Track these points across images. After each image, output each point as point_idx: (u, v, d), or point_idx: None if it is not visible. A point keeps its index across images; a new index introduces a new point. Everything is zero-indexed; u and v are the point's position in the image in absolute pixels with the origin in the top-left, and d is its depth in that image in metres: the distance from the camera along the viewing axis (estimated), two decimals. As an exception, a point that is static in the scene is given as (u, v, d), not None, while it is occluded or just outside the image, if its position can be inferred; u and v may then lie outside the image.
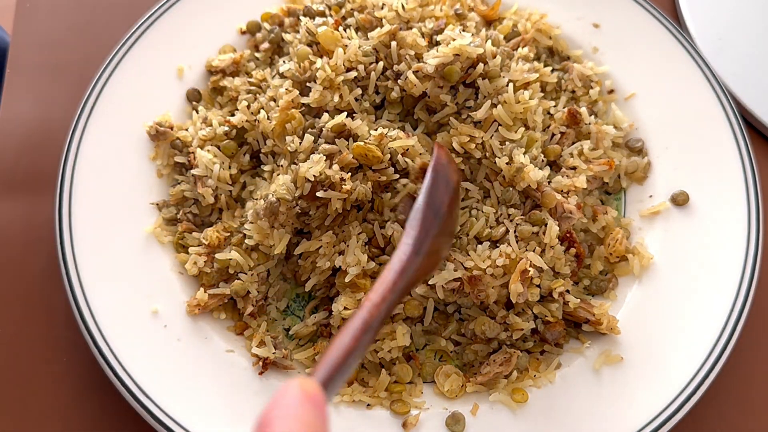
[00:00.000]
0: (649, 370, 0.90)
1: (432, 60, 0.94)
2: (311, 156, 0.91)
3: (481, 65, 0.95)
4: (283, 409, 0.53)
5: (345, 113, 0.94)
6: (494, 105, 0.95)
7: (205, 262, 0.95)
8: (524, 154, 0.94)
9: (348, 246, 0.91)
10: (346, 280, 0.90)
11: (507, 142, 0.95)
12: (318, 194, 0.89)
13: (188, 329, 0.92)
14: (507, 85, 0.96)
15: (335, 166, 0.90)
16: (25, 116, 1.15)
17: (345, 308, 0.90)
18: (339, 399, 0.89)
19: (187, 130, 1.05)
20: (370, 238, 0.93)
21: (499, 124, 0.95)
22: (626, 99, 1.10)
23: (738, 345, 0.93)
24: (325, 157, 0.91)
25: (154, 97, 1.07)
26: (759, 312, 1.00)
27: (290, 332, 0.95)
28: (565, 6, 1.16)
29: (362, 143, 0.91)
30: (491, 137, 0.95)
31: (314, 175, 0.89)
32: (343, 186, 0.89)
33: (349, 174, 0.90)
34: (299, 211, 0.91)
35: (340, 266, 0.91)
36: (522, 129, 0.96)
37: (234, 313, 0.97)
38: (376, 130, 0.94)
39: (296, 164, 0.92)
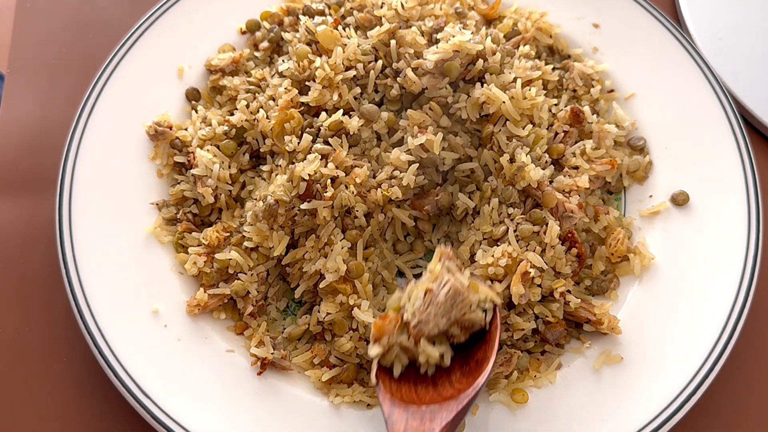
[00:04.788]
0: (649, 370, 0.90)
1: (432, 56, 0.94)
2: (308, 156, 0.92)
3: (480, 61, 0.95)
4: None
5: (341, 111, 0.94)
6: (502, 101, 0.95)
7: (204, 262, 0.95)
8: (528, 152, 0.94)
9: (332, 251, 0.91)
10: (321, 285, 0.91)
11: (514, 139, 0.95)
12: (303, 206, 0.89)
13: (188, 329, 0.92)
14: (514, 81, 0.96)
15: (330, 165, 0.90)
16: (25, 116, 1.15)
17: (327, 313, 0.90)
18: (340, 400, 0.89)
19: (186, 129, 1.05)
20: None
21: (506, 120, 0.95)
22: (626, 99, 1.10)
23: (738, 345, 0.93)
24: (320, 156, 0.91)
25: (154, 97, 1.07)
26: (759, 312, 1.00)
27: (284, 333, 0.95)
28: (565, 6, 1.16)
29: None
30: (499, 131, 0.95)
31: (309, 174, 0.89)
32: (325, 193, 0.89)
33: (330, 181, 0.90)
34: (297, 212, 0.91)
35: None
36: (529, 126, 0.96)
37: (234, 313, 0.96)
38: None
39: (294, 164, 0.92)
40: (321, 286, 0.91)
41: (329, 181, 0.90)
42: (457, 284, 0.79)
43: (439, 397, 0.77)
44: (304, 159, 0.93)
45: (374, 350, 0.78)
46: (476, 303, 0.80)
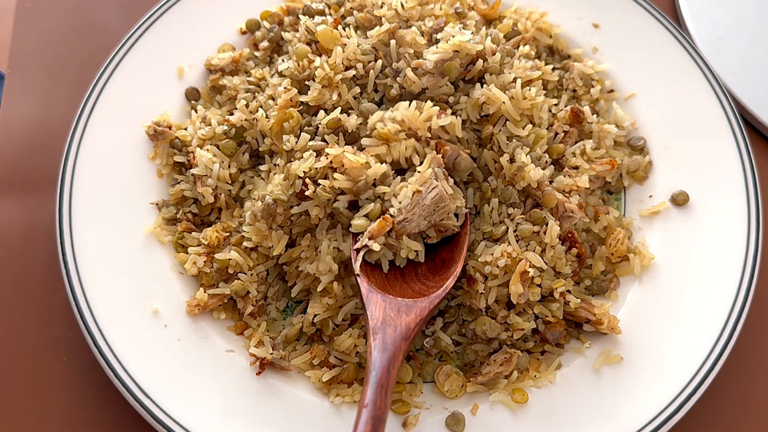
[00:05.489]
0: (649, 370, 0.90)
1: (431, 56, 0.94)
2: (304, 153, 0.92)
3: (480, 61, 0.95)
4: None
5: (339, 109, 0.94)
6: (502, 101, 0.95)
7: (204, 262, 0.95)
8: (528, 152, 0.94)
9: (320, 252, 0.91)
10: (319, 289, 0.91)
11: (514, 139, 0.95)
12: (293, 210, 0.90)
13: (188, 329, 0.92)
14: (514, 81, 0.96)
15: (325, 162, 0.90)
16: (25, 116, 1.15)
17: (315, 316, 0.91)
18: (340, 400, 0.89)
19: (186, 129, 1.05)
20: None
21: (506, 120, 0.95)
22: (626, 99, 1.10)
23: (738, 345, 0.93)
24: (315, 154, 0.91)
25: (154, 96, 1.07)
26: (759, 312, 1.00)
27: (281, 335, 0.95)
28: (565, 6, 1.16)
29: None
30: (499, 131, 0.95)
31: (304, 171, 0.89)
32: (306, 192, 0.89)
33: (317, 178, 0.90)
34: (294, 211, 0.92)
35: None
36: (529, 126, 0.96)
37: (234, 313, 0.96)
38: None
39: (291, 162, 0.92)
40: (318, 289, 0.91)
41: (323, 179, 0.90)
42: (443, 191, 0.87)
43: (410, 289, 0.87)
44: (302, 157, 0.93)
45: (375, 245, 0.85)
46: (453, 210, 0.89)
